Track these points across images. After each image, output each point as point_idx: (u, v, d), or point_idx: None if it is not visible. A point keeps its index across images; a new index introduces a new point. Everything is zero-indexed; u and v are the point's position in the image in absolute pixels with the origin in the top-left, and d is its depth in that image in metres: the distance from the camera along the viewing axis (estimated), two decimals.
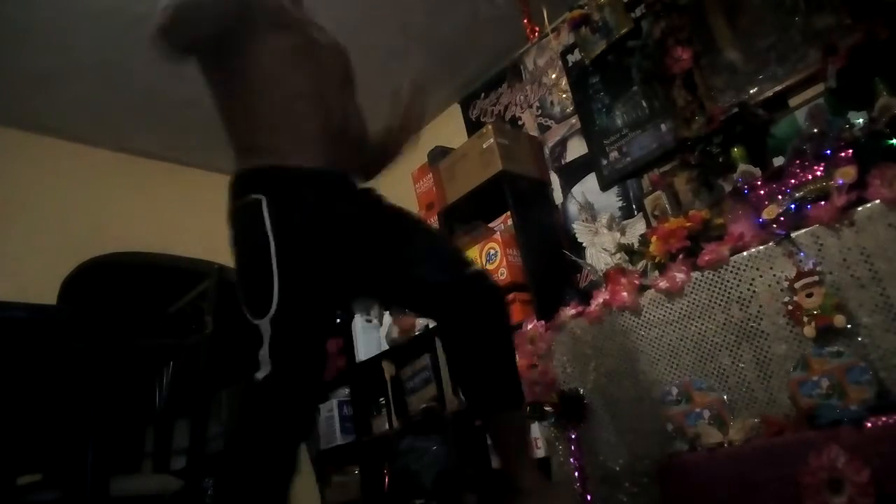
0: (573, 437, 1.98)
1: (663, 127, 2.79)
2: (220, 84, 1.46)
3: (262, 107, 1.39)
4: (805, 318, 1.64)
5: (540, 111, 3.44)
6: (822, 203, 1.71)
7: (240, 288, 1.34)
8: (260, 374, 1.28)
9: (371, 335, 3.51)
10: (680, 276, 1.92)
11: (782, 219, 1.79)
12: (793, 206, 1.80)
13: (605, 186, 3.05)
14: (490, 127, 3.13)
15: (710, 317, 1.86)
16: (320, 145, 1.40)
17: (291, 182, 1.34)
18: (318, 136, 1.40)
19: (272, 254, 1.26)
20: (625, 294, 2.04)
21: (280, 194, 1.31)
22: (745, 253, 1.83)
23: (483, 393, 1.45)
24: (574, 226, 3.10)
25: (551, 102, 3.39)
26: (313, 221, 1.32)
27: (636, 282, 2.07)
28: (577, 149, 3.23)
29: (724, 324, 1.83)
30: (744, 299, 1.80)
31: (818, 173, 1.81)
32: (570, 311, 2.22)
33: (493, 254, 2.99)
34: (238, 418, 1.34)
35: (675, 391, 1.86)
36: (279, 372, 1.26)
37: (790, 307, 1.68)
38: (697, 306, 1.89)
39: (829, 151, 1.81)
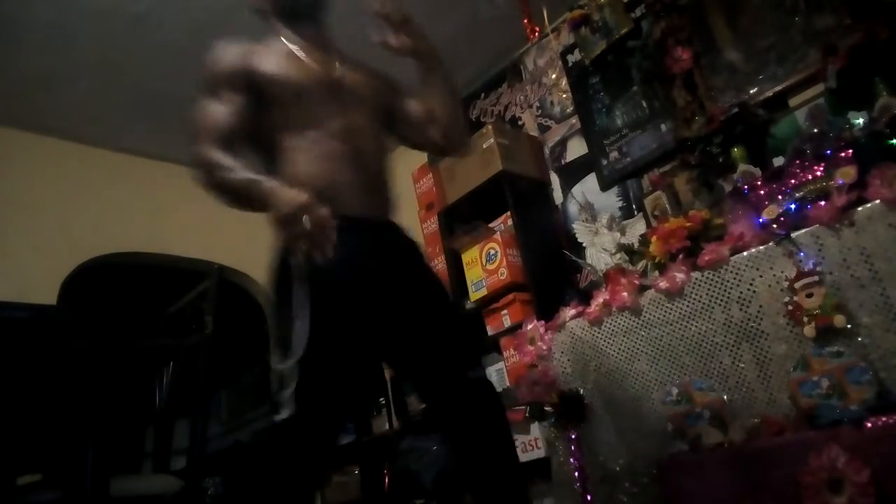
0: (573, 437, 1.98)
1: (663, 127, 2.79)
2: (259, 154, 1.50)
3: (289, 163, 1.43)
4: (805, 318, 1.64)
5: (540, 111, 3.44)
6: (822, 203, 1.71)
7: (274, 333, 1.36)
8: (280, 417, 1.26)
9: None
10: (680, 276, 1.92)
11: (782, 219, 1.79)
12: (793, 206, 1.80)
13: (605, 186, 3.05)
14: (490, 127, 3.14)
15: (710, 317, 1.86)
16: (353, 189, 1.42)
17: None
18: (352, 185, 1.42)
19: (298, 300, 1.26)
20: (625, 294, 2.04)
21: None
22: (745, 253, 1.82)
23: (490, 496, 1.44)
24: (574, 226, 3.10)
25: (551, 102, 3.39)
26: (341, 270, 1.29)
27: (636, 282, 2.07)
28: (577, 149, 3.23)
29: (724, 324, 1.83)
30: (744, 299, 1.80)
31: (818, 173, 1.81)
32: (570, 312, 2.22)
33: (493, 254, 2.99)
34: (259, 460, 1.36)
35: (675, 391, 1.86)
36: (302, 414, 1.26)
37: (790, 307, 1.68)
38: (697, 306, 1.89)
39: (829, 151, 1.81)
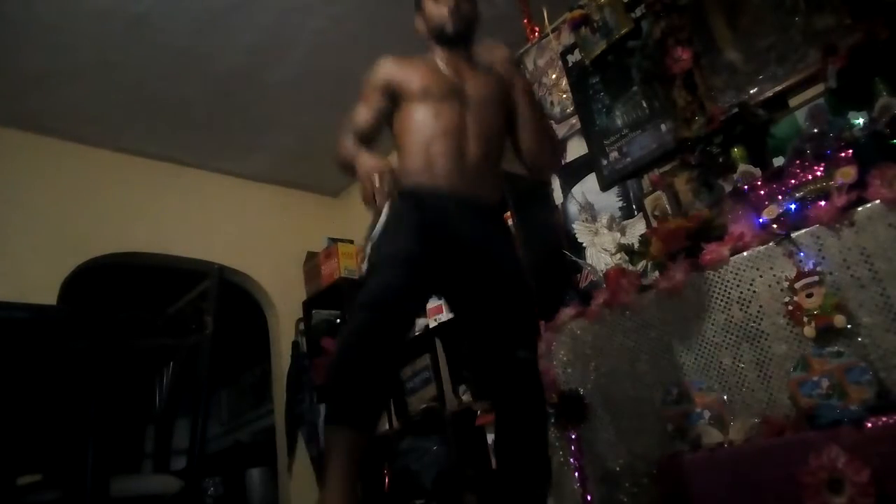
0: (573, 437, 1.99)
1: (663, 127, 2.78)
2: (389, 126, 1.88)
3: (406, 147, 1.81)
4: (805, 319, 1.64)
5: None
6: (822, 203, 1.71)
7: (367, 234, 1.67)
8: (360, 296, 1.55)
9: None
10: (680, 276, 1.92)
11: (782, 219, 1.79)
12: (793, 206, 1.80)
13: (605, 186, 3.05)
14: None
15: (710, 317, 1.86)
16: (451, 172, 1.73)
17: (415, 192, 1.70)
18: (451, 166, 1.73)
19: (386, 209, 1.57)
20: (625, 294, 2.04)
21: (410, 196, 1.67)
22: (745, 253, 1.83)
23: (521, 474, 1.63)
24: (574, 226, 3.10)
25: (551, 103, 3.39)
26: (423, 208, 1.66)
27: (636, 282, 2.07)
28: (577, 149, 3.23)
29: (724, 324, 1.83)
30: (744, 299, 1.80)
31: (818, 173, 1.81)
32: (570, 312, 2.22)
33: None
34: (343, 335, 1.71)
35: (675, 391, 1.86)
36: (370, 275, 1.57)
37: (790, 307, 1.68)
38: (697, 306, 1.89)
39: (829, 151, 1.81)
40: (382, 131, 1.86)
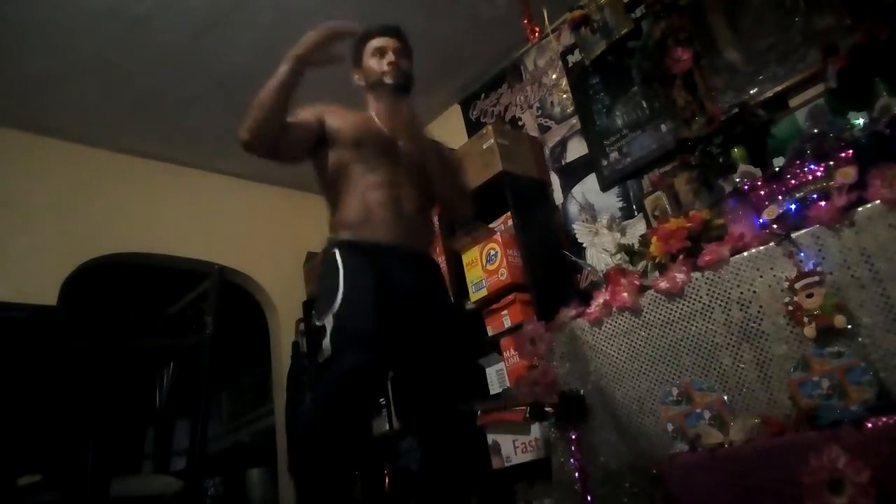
0: (573, 437, 1.98)
1: (663, 127, 2.79)
2: (319, 176, 1.91)
3: (343, 199, 1.83)
4: (805, 319, 1.64)
5: (540, 112, 3.44)
6: (822, 203, 1.71)
7: (317, 307, 1.71)
8: (322, 357, 1.63)
9: None
10: (680, 276, 1.92)
11: (783, 219, 1.79)
12: (793, 206, 1.80)
13: (605, 187, 3.05)
14: (490, 127, 3.14)
15: (710, 317, 1.86)
16: (391, 224, 1.78)
17: (359, 247, 1.76)
18: (389, 217, 1.79)
19: (340, 278, 1.67)
20: (625, 294, 2.04)
21: (350, 252, 1.75)
22: (745, 253, 1.82)
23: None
24: (574, 226, 3.10)
25: (551, 103, 3.39)
26: (370, 265, 1.71)
27: (636, 282, 2.07)
28: (577, 149, 3.23)
29: (725, 324, 1.83)
30: (744, 300, 1.80)
31: (818, 173, 1.81)
32: (570, 312, 2.22)
33: (493, 254, 2.99)
34: (311, 403, 1.78)
35: (675, 391, 1.86)
36: (338, 353, 1.59)
37: (790, 307, 1.68)
38: (697, 307, 1.89)
39: (829, 151, 1.81)
40: (286, 138, 1.77)
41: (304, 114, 1.83)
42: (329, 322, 1.62)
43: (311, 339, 3.98)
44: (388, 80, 1.89)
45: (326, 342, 1.62)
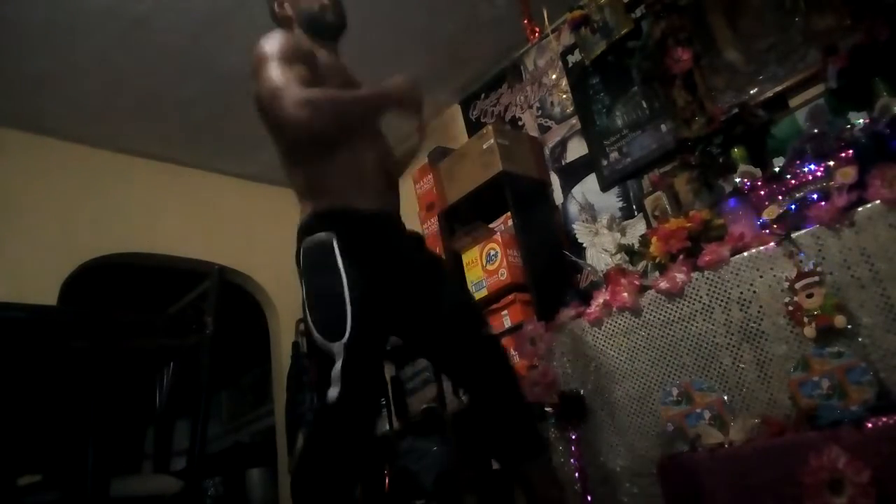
0: (573, 437, 1.98)
1: (663, 127, 2.79)
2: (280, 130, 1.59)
3: (330, 153, 1.55)
4: (805, 319, 1.64)
5: (540, 112, 3.44)
6: (823, 203, 1.71)
7: (313, 315, 1.52)
8: (332, 393, 1.40)
9: None
10: (680, 276, 1.92)
11: (783, 219, 1.79)
12: (793, 206, 1.80)
13: (605, 187, 3.05)
14: (490, 127, 3.13)
15: (710, 317, 1.86)
16: (378, 188, 1.59)
17: (359, 223, 1.53)
18: (376, 180, 1.59)
19: (344, 285, 1.43)
20: (625, 294, 2.04)
21: (349, 234, 1.50)
22: (745, 253, 1.83)
23: (512, 444, 1.62)
24: (574, 226, 3.10)
25: (551, 103, 3.39)
26: (377, 258, 1.50)
27: (636, 282, 2.07)
28: (577, 149, 3.23)
29: (725, 324, 1.83)
30: (744, 300, 1.80)
31: (818, 173, 1.81)
32: (570, 312, 2.22)
33: (493, 254, 2.99)
34: (314, 436, 1.51)
35: (675, 391, 1.86)
36: (351, 391, 1.40)
37: (790, 307, 1.68)
38: (697, 307, 1.89)
39: (829, 152, 1.81)
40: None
41: (299, 65, 1.52)
42: (339, 352, 1.41)
43: (310, 339, 3.97)
44: (329, 17, 1.64)
45: (336, 373, 1.40)
